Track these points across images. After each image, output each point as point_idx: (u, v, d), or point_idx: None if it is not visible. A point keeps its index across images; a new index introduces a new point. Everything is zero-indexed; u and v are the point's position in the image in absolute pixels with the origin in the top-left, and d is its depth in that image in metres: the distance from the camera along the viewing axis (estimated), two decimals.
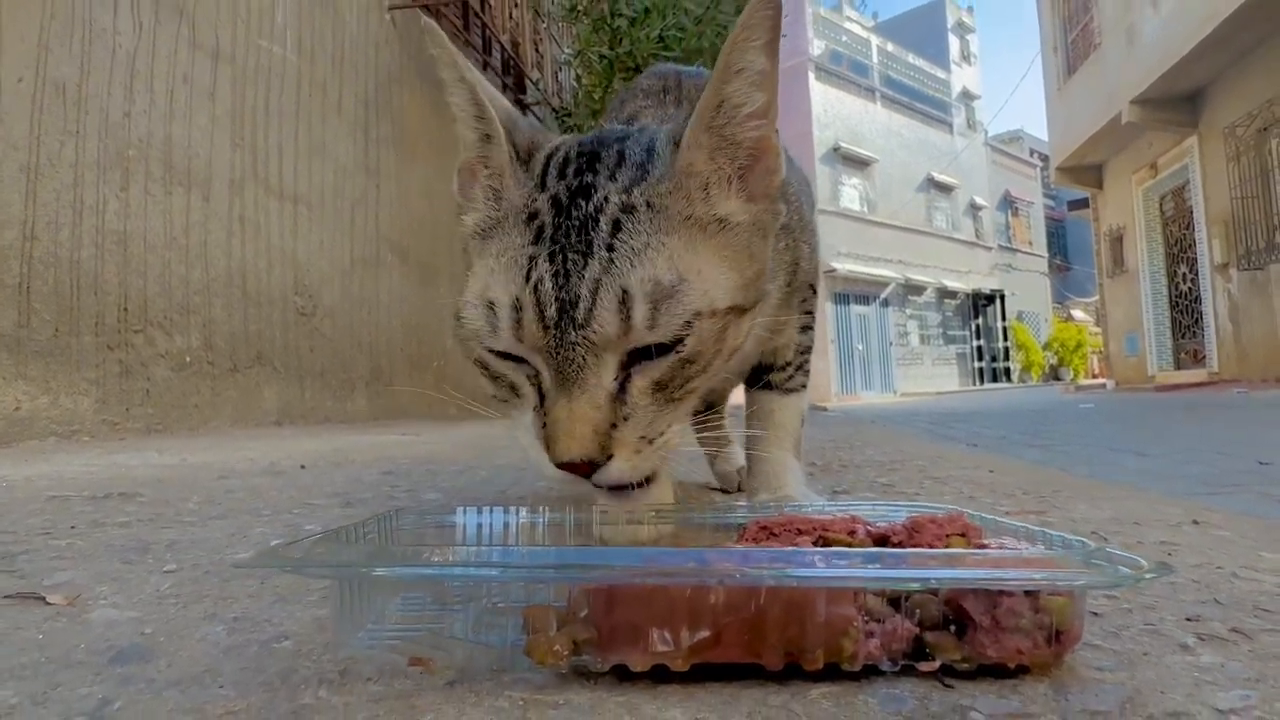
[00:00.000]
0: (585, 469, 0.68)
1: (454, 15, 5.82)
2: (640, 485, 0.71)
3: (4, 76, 2.53)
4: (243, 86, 3.60)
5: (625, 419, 0.68)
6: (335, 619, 0.57)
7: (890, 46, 25.46)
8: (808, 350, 1.18)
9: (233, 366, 3.40)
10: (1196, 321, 11.57)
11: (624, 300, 0.65)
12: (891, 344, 23.35)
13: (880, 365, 23.02)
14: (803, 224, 1.04)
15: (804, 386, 1.18)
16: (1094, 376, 25.18)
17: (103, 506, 1.32)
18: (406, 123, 5.07)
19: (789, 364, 1.15)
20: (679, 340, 0.67)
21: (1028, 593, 0.52)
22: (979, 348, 26.88)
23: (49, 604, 0.73)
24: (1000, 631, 0.51)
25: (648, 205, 0.70)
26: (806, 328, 1.17)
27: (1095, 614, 0.66)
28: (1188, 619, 0.66)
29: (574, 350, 0.66)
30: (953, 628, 0.53)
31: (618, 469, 0.68)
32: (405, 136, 5.05)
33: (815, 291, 1.18)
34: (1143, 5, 11.01)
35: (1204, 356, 11.12)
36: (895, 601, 0.53)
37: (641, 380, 0.69)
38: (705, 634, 0.50)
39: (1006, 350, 27.55)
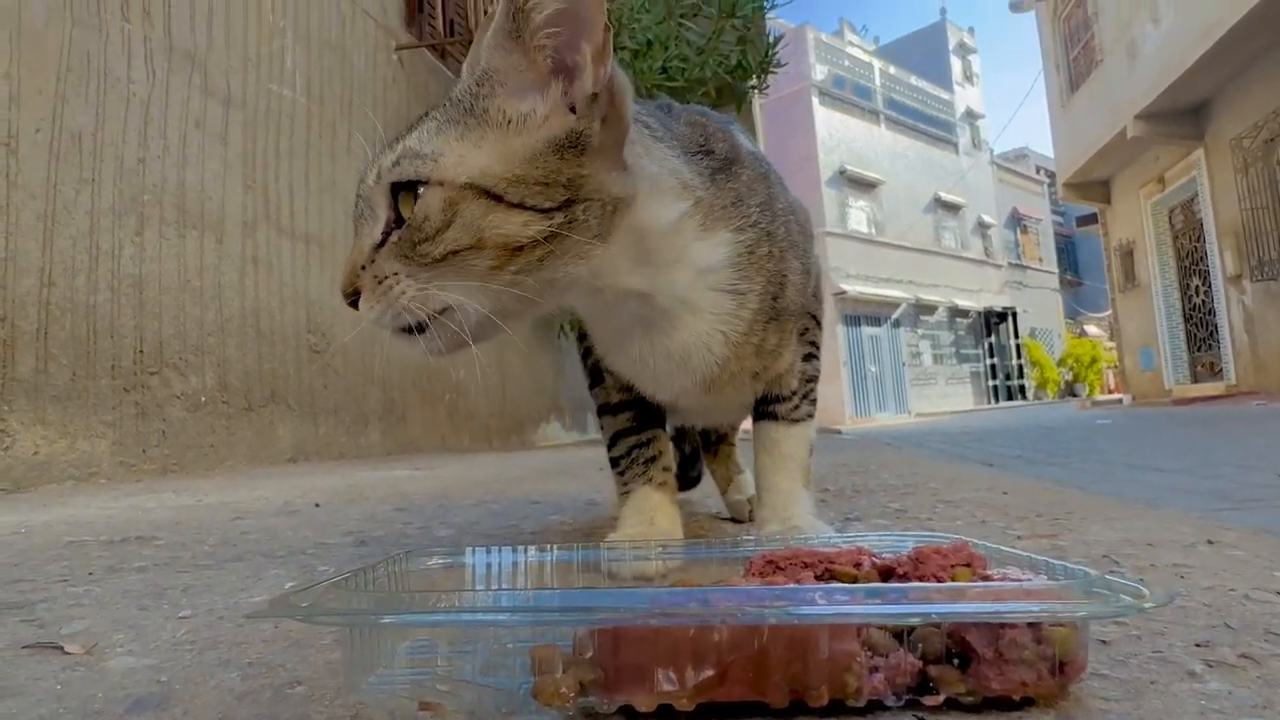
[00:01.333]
0: (350, 302, 0.84)
1: (459, 54, 5.92)
2: (403, 331, 0.83)
3: (22, 127, 2.59)
4: (254, 130, 3.67)
5: (371, 262, 0.82)
6: (346, 664, 0.58)
7: (893, 69, 25.66)
8: (813, 379, 1.18)
9: (247, 405, 3.43)
10: (1211, 334, 11.49)
11: (381, 158, 0.83)
12: (904, 364, 23.28)
13: (894, 386, 22.94)
14: (790, 241, 1.02)
15: (810, 416, 1.17)
16: (1110, 392, 24.97)
17: (120, 551, 1.33)
18: None
19: (794, 393, 1.14)
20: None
21: (1031, 624, 0.52)
22: (993, 366, 26.74)
23: (67, 653, 0.74)
24: (1004, 663, 0.51)
25: (449, 102, 0.84)
26: (810, 356, 1.17)
27: (1103, 642, 0.66)
28: (1197, 644, 0.65)
29: (357, 203, 0.85)
30: (956, 660, 0.53)
31: (362, 304, 0.83)
32: None
33: (819, 323, 1.18)
34: (1143, 21, 11.08)
35: (1221, 369, 11.03)
36: (899, 635, 0.53)
37: (392, 239, 0.81)
38: (710, 673, 0.51)
39: (1021, 368, 27.40)
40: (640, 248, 0.85)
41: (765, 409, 1.14)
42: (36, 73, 2.65)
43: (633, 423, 1.18)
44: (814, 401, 1.18)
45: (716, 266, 0.91)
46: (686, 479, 1.59)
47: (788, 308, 1.02)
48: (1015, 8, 16.62)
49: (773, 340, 1.02)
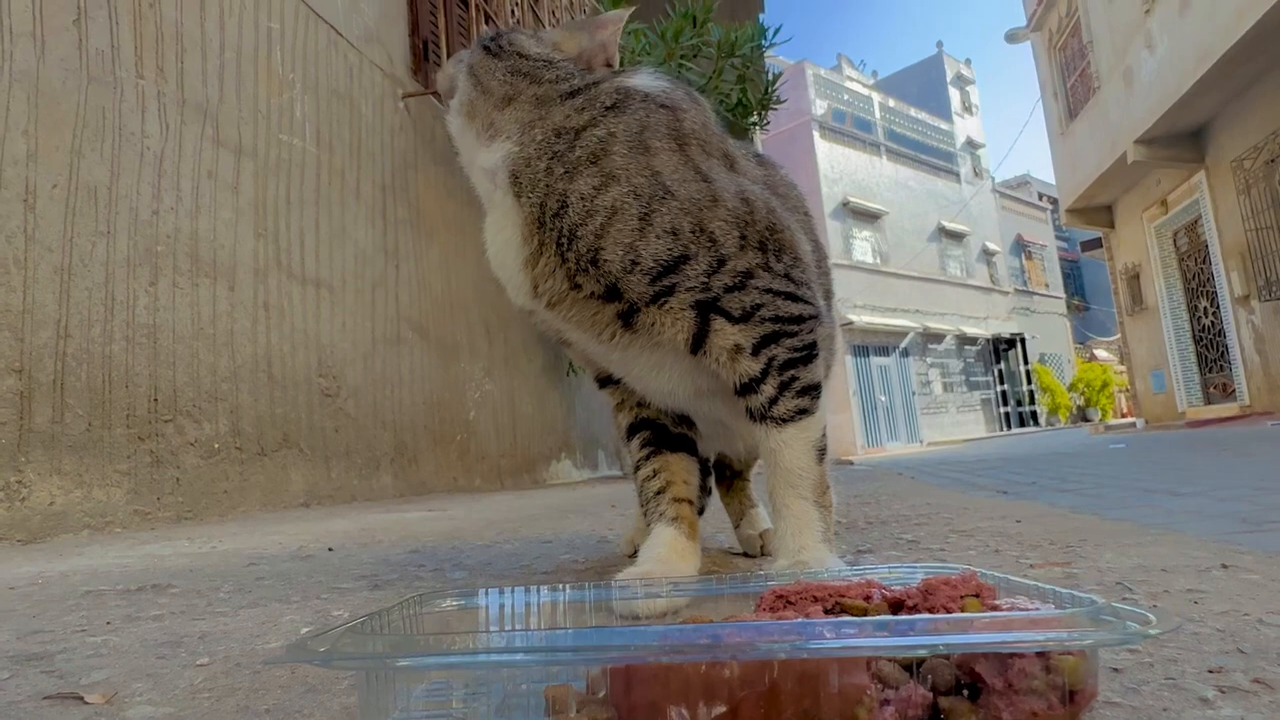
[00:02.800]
0: None
1: None
2: None
3: (39, 184, 2.65)
4: (264, 179, 3.74)
5: None
6: (363, 708, 0.58)
7: (892, 102, 25.96)
8: (791, 366, 1.03)
9: (260, 450, 3.45)
10: (1222, 355, 11.44)
11: None
12: (914, 393, 23.19)
13: (905, 416, 22.84)
14: (607, 176, 1.02)
15: (805, 413, 1.02)
16: (1123, 416, 24.78)
17: (136, 600, 1.34)
18: (422, 205, 5.22)
19: (755, 380, 1.02)
20: None
21: (1040, 653, 0.53)
22: (1003, 392, 26.62)
23: (87, 703, 0.75)
24: (1014, 694, 0.52)
25: None
26: (779, 336, 1.02)
27: (1115, 670, 0.66)
28: (1210, 670, 0.65)
29: None
30: (966, 691, 0.53)
31: None
32: (422, 218, 5.19)
33: (796, 299, 1.04)
34: (1138, 48, 11.20)
35: (1234, 390, 10.96)
36: (909, 667, 0.54)
37: None
38: (722, 709, 0.51)
39: (1031, 394, 27.25)
40: (460, 149, 1.21)
41: (745, 406, 1.05)
42: (54, 130, 2.72)
43: (643, 449, 1.22)
44: (806, 394, 1.03)
45: (494, 169, 1.10)
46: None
47: (590, 244, 1.00)
48: (1011, 38, 16.84)
49: (591, 283, 1.03)
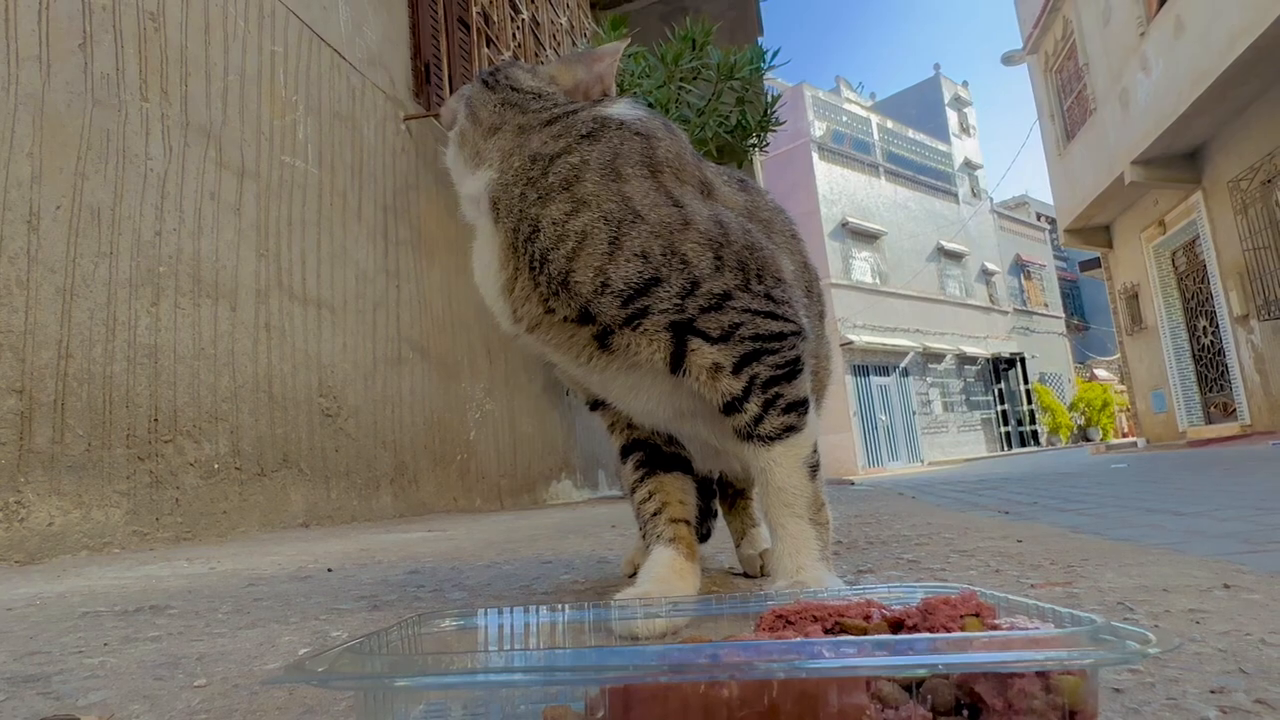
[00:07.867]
0: None
1: None
2: None
3: (43, 205, 2.67)
4: (267, 200, 3.76)
5: None
6: None
7: (890, 123, 26.15)
8: (774, 384, 1.02)
9: (260, 471, 3.44)
10: (1222, 374, 11.44)
11: None
12: (915, 413, 23.17)
13: (905, 435, 22.80)
14: (577, 202, 1.03)
15: (792, 430, 1.02)
16: (1124, 435, 24.74)
17: (134, 621, 1.33)
18: (423, 225, 5.24)
19: (738, 399, 1.02)
20: None
21: (1040, 672, 0.52)
22: (1003, 412, 26.60)
23: None
24: (1014, 714, 0.52)
25: None
26: (761, 354, 1.02)
27: (1117, 690, 0.66)
28: (1211, 691, 0.65)
29: None
30: (966, 711, 0.53)
31: None
32: (423, 239, 5.22)
33: (775, 317, 1.04)
34: (1133, 71, 11.30)
35: (1234, 409, 10.95)
36: (909, 687, 0.53)
37: None
38: None
39: (1032, 413, 27.22)
40: (454, 177, 1.23)
41: (731, 426, 1.05)
42: (58, 152, 2.74)
43: (637, 470, 1.22)
44: (792, 411, 1.02)
45: (478, 196, 1.12)
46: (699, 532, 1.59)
47: (561, 268, 1.02)
48: (1008, 61, 17.00)
49: (564, 306, 1.04)
